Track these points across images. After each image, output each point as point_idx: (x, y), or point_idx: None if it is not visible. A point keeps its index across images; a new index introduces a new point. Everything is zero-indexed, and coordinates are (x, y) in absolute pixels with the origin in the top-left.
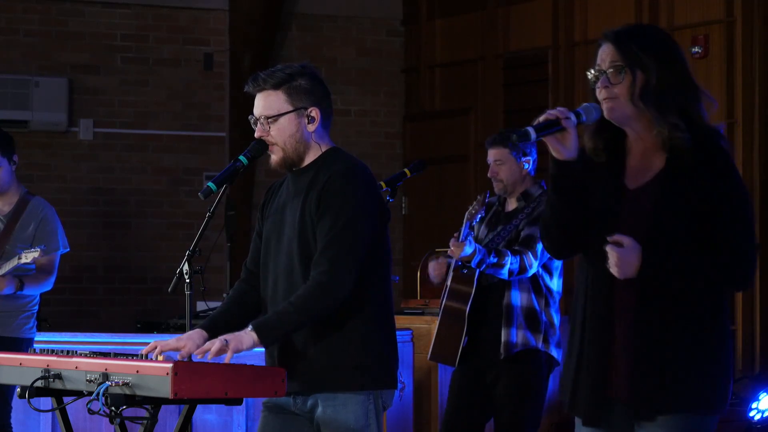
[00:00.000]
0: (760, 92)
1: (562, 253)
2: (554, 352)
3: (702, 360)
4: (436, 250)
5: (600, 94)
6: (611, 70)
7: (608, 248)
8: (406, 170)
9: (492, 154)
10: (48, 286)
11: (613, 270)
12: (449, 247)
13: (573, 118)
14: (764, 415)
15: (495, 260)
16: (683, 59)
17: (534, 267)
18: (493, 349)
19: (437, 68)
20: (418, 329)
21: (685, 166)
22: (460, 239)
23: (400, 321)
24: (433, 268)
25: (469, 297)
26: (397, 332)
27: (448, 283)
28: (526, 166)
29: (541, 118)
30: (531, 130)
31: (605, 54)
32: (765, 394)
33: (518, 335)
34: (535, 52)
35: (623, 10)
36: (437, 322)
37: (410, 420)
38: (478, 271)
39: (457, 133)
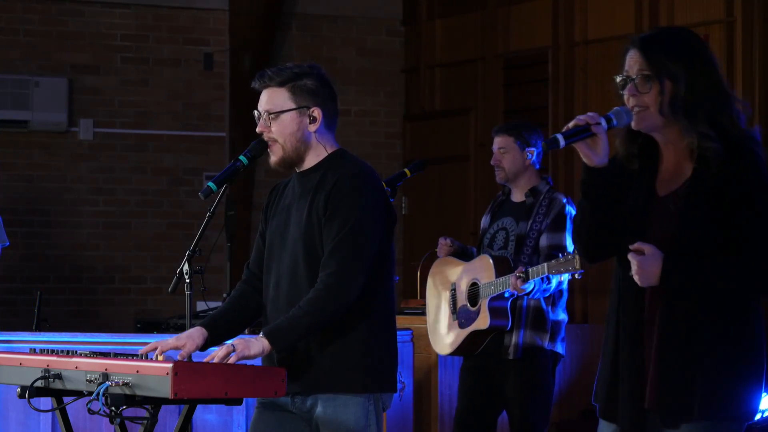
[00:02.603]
0: (760, 92)
1: (594, 257)
2: (559, 348)
3: (728, 367)
4: (436, 250)
5: (629, 102)
6: (639, 78)
7: (630, 256)
8: (406, 170)
9: (497, 142)
10: None
11: (635, 277)
12: (509, 279)
13: (603, 123)
14: (764, 415)
15: (545, 285)
16: (713, 63)
17: (565, 282)
18: (500, 350)
19: (437, 68)
20: (418, 329)
21: (712, 175)
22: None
23: (400, 321)
24: (442, 249)
25: (507, 315)
26: (397, 332)
27: (464, 292)
28: (530, 156)
29: (571, 124)
30: (560, 137)
31: (633, 61)
32: (765, 394)
33: (526, 336)
34: (535, 52)
35: (623, 10)
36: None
37: (410, 420)
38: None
39: (457, 133)
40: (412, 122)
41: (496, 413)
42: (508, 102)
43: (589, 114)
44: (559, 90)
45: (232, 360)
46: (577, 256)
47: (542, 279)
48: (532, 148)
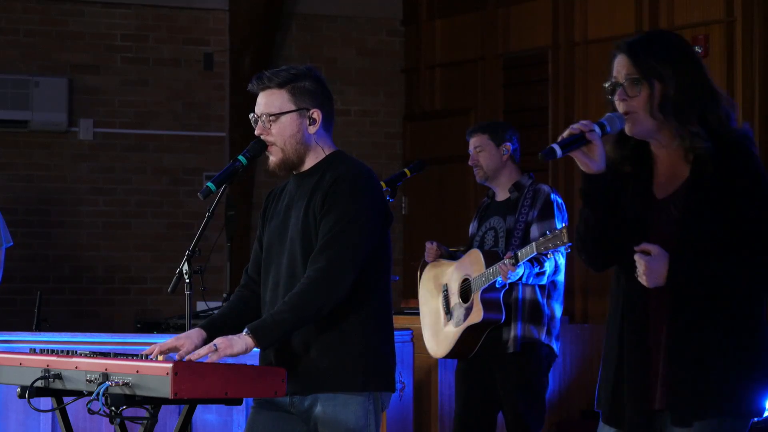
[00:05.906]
0: (760, 92)
1: (599, 265)
2: (555, 345)
3: (738, 364)
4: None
5: (619, 107)
6: (627, 82)
7: (636, 257)
8: (406, 170)
9: (472, 143)
10: None
11: (642, 279)
12: (499, 269)
13: (597, 129)
14: (765, 415)
15: (537, 270)
16: (700, 63)
17: (563, 266)
18: (498, 344)
19: (437, 68)
20: (418, 329)
21: (709, 174)
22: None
23: (400, 321)
24: (429, 254)
25: (500, 307)
26: (397, 332)
27: (473, 297)
28: (506, 152)
29: (565, 134)
30: (556, 147)
31: (620, 66)
32: None
33: (523, 329)
34: (535, 52)
35: (623, 10)
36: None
37: (410, 420)
38: (506, 283)
39: (457, 133)
40: (412, 122)
41: (494, 413)
42: (508, 102)
43: (582, 122)
44: (559, 90)
45: (213, 359)
46: (565, 230)
47: (532, 263)
48: (508, 144)
